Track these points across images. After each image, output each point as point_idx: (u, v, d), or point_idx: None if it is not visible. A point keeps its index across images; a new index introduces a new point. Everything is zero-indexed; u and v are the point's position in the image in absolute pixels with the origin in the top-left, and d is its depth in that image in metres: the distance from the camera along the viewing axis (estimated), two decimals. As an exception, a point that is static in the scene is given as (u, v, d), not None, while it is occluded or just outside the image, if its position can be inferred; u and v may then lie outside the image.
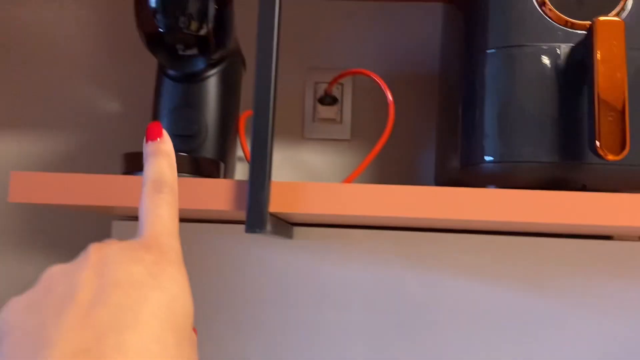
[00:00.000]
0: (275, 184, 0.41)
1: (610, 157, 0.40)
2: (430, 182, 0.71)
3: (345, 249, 0.63)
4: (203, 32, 0.48)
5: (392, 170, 0.73)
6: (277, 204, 0.41)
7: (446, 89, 0.58)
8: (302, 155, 0.74)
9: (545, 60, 0.45)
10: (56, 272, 0.28)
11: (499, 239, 0.61)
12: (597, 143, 0.40)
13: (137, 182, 0.41)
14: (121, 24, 0.77)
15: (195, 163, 0.45)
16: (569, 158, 0.44)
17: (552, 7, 0.46)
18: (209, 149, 0.52)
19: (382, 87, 0.58)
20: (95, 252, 0.29)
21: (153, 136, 0.35)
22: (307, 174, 0.74)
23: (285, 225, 0.57)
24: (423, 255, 0.61)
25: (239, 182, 0.41)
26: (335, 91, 0.74)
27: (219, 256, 0.63)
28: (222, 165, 0.49)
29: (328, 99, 0.71)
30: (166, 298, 0.26)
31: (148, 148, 0.35)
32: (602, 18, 0.42)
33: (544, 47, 0.46)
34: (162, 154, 0.34)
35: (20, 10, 0.78)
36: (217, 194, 0.41)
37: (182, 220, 0.35)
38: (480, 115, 0.48)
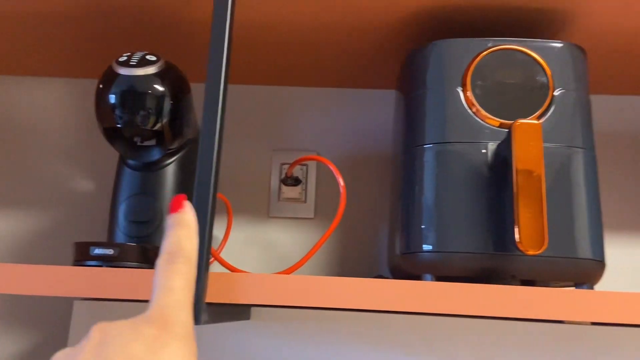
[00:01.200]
0: (212, 275, 0.43)
1: (531, 251, 0.42)
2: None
3: (302, 328, 0.63)
4: (158, 127, 0.52)
5: (354, 247, 0.75)
6: (214, 295, 0.42)
7: (394, 173, 0.61)
8: (267, 234, 0.77)
9: (475, 157, 0.49)
10: (60, 355, 0.28)
11: (449, 320, 0.62)
12: (517, 239, 0.43)
13: (86, 273, 0.43)
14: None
15: (143, 252, 0.47)
16: (498, 250, 0.46)
17: (479, 108, 0.50)
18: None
19: (334, 173, 0.61)
20: (97, 332, 0.28)
21: (175, 208, 0.35)
22: (272, 252, 0.76)
23: (240, 308, 0.58)
24: (377, 334, 0.62)
25: (178, 272, 0.43)
26: (300, 172, 0.77)
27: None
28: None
29: (290, 181, 0.74)
30: None
31: (169, 220, 0.35)
32: (520, 121, 0.45)
33: (474, 145, 0.49)
34: (181, 225, 0.34)
35: None
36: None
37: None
38: (418, 205, 0.50)
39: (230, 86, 0.81)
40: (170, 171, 0.56)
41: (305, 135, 0.79)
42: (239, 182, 0.78)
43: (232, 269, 0.60)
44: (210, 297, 0.42)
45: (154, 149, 0.54)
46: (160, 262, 0.33)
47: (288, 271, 0.58)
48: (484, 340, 0.61)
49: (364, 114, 0.79)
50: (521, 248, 0.43)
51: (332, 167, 0.62)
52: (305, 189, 0.77)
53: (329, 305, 0.42)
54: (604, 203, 0.74)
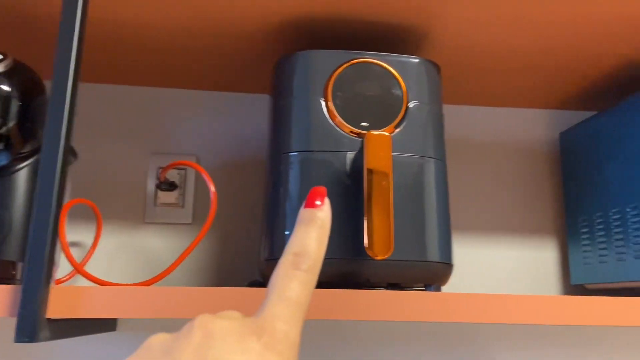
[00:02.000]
0: (55, 289, 0.41)
1: (379, 256, 0.45)
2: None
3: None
4: (4, 130, 0.48)
5: (231, 253, 0.75)
6: (56, 310, 0.40)
7: (264, 179, 0.62)
8: (142, 240, 0.74)
9: (336, 165, 0.50)
10: (156, 343, 0.26)
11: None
12: (366, 244, 0.45)
13: None
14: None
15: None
16: (354, 255, 0.48)
17: (340, 118, 0.51)
18: (13, 247, 0.51)
19: (205, 178, 0.61)
20: (201, 327, 0.26)
21: (312, 202, 0.32)
22: (146, 259, 0.74)
23: (101, 320, 0.56)
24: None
25: (16, 287, 0.40)
26: (178, 176, 0.75)
27: (29, 355, 0.59)
28: (19, 265, 0.48)
29: (164, 185, 0.72)
30: None
31: (303, 214, 0.31)
32: (371, 132, 0.47)
33: (335, 154, 0.51)
34: (315, 224, 0.31)
35: None
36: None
37: None
38: (282, 212, 0.51)
39: (103, 86, 0.78)
40: (22, 177, 0.53)
41: (185, 139, 0.78)
42: (114, 187, 0.75)
43: (97, 281, 0.58)
44: (53, 312, 0.40)
45: (1, 154, 0.51)
46: (284, 261, 0.30)
47: (154, 280, 0.57)
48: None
49: (244, 118, 0.79)
50: (369, 253, 0.45)
51: (203, 172, 0.62)
52: (184, 194, 0.75)
53: (177, 317, 0.42)
54: (456, 207, 0.80)
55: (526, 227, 0.80)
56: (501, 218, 0.80)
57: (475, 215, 0.79)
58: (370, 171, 0.46)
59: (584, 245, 0.72)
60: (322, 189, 0.32)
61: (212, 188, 0.62)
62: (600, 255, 0.69)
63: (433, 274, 0.51)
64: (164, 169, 0.65)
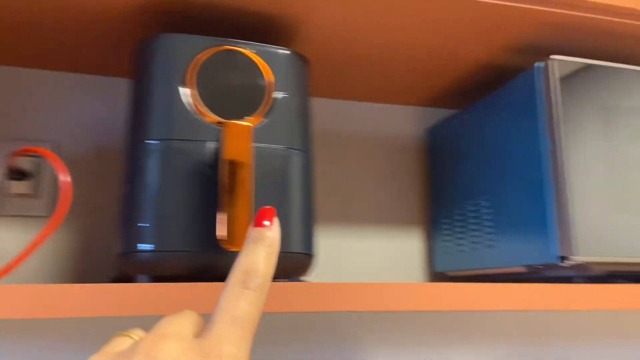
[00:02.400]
0: None
1: (233, 248, 0.44)
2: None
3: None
4: None
5: (94, 244, 0.70)
6: None
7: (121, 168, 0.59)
8: (-11, 234, 0.67)
9: (196, 155, 0.49)
10: None
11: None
12: (221, 236, 0.44)
13: None
14: None
15: None
16: (212, 248, 0.47)
17: (202, 106, 0.50)
18: None
19: (54, 167, 0.56)
20: (144, 352, 0.25)
21: (260, 222, 0.31)
22: (-6, 255, 0.66)
23: None
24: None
25: None
26: (31, 164, 0.69)
27: None
28: None
29: (14, 174, 0.66)
30: None
31: (252, 233, 0.31)
32: (231, 122, 0.46)
33: (196, 143, 0.49)
34: (264, 242, 0.31)
35: None
36: None
37: None
38: (137, 203, 0.49)
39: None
40: None
41: (41, 124, 0.71)
42: (-49, 175, 0.66)
43: None
44: None
45: None
46: (232, 280, 0.29)
47: (-6, 278, 0.51)
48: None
49: (108, 103, 0.74)
50: (224, 245, 0.44)
51: (53, 160, 0.57)
52: (38, 184, 0.69)
53: (23, 317, 0.38)
54: (325, 199, 0.81)
55: (394, 219, 0.83)
56: (370, 210, 0.82)
57: (345, 207, 0.82)
58: (228, 162, 0.45)
59: (445, 235, 0.77)
60: (271, 209, 0.33)
61: (63, 177, 0.57)
62: (458, 245, 0.74)
63: (294, 265, 0.51)
64: (12, 156, 0.59)
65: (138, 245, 0.47)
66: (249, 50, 0.53)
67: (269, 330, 0.74)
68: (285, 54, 0.55)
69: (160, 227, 0.47)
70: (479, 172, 0.70)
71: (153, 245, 0.47)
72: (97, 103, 0.73)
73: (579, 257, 0.54)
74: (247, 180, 0.45)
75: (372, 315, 0.78)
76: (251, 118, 0.51)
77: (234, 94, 0.51)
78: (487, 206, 0.68)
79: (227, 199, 0.44)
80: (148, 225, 0.48)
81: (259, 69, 0.52)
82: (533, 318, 0.85)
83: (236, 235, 0.44)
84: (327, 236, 0.80)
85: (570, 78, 0.58)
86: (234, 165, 0.45)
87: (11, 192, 0.68)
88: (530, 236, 0.59)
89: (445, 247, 0.77)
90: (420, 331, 0.79)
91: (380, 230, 0.82)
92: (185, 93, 0.50)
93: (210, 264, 0.47)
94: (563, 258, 0.55)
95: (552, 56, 0.59)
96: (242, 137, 0.46)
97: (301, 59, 0.57)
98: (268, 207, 0.33)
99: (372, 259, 0.81)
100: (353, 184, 0.83)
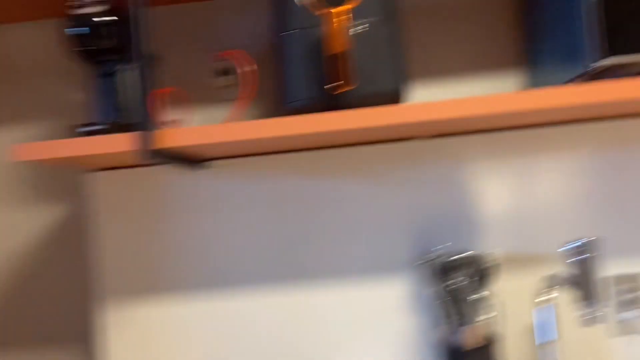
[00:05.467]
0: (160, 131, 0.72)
1: (344, 89, 0.70)
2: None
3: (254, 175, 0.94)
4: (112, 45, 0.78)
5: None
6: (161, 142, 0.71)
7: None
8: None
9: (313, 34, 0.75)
10: None
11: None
12: (330, 84, 0.71)
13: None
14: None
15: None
16: (334, 93, 0.74)
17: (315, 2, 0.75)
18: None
19: (245, 63, 0.85)
20: None
21: None
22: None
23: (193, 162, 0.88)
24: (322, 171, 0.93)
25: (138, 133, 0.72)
26: (229, 65, 1.02)
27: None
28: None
29: (221, 73, 1.00)
30: None
31: None
32: (333, 9, 0.71)
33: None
34: None
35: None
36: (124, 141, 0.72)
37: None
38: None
39: None
40: (123, 77, 0.83)
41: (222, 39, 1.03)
42: None
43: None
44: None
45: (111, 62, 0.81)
46: None
47: None
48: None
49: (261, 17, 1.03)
50: (335, 89, 0.71)
51: (243, 57, 0.87)
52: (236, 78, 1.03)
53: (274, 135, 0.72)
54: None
55: (489, 63, 0.98)
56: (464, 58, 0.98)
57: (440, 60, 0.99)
58: (330, 35, 0.71)
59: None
60: None
61: (249, 67, 0.88)
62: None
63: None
64: (214, 60, 0.92)
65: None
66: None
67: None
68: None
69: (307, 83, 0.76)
70: None
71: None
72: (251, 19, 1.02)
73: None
74: (345, 45, 0.70)
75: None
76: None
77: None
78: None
79: (330, 59, 0.70)
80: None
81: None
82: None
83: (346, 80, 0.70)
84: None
85: None
86: (334, 37, 0.70)
87: (220, 85, 1.03)
88: None
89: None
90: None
91: (476, 77, 0.98)
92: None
93: (337, 103, 0.75)
94: None
95: None
96: (340, 17, 0.70)
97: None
98: None
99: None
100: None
